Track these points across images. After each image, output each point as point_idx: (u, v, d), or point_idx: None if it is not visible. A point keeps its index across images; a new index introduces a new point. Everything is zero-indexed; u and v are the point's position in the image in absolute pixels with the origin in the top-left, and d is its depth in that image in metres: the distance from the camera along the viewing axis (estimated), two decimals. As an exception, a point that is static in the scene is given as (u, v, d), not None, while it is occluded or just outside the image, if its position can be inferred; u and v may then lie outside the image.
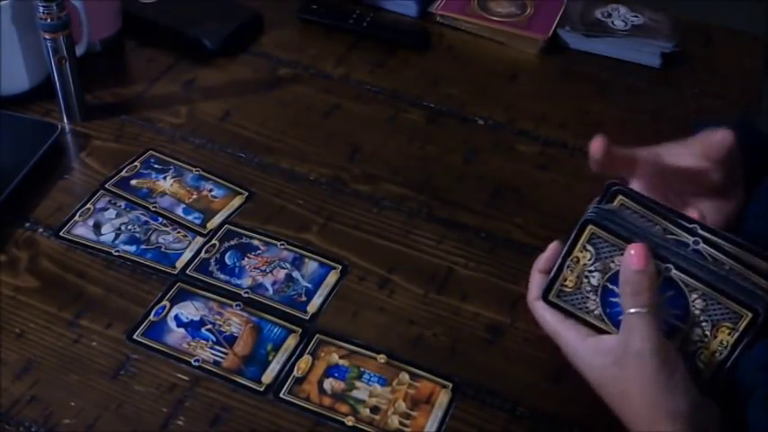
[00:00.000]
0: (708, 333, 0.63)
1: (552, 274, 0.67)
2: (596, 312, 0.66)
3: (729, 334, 0.62)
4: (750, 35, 1.15)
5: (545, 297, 0.67)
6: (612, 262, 0.64)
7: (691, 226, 0.64)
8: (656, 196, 0.71)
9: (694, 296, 0.63)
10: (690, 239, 0.64)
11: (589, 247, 0.65)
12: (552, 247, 0.68)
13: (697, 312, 0.63)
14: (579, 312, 0.66)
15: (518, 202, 0.90)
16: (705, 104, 1.03)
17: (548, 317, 0.67)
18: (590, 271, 0.65)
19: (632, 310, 0.62)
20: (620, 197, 0.65)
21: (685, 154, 0.72)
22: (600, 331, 0.66)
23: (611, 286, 0.64)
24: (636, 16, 1.11)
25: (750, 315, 0.61)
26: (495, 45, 1.11)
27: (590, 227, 0.64)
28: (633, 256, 0.62)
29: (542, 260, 0.69)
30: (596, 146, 0.70)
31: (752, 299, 0.61)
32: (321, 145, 0.95)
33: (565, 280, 0.66)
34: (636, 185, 0.73)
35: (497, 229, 0.87)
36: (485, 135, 0.98)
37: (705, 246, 0.63)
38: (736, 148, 0.71)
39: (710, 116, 1.01)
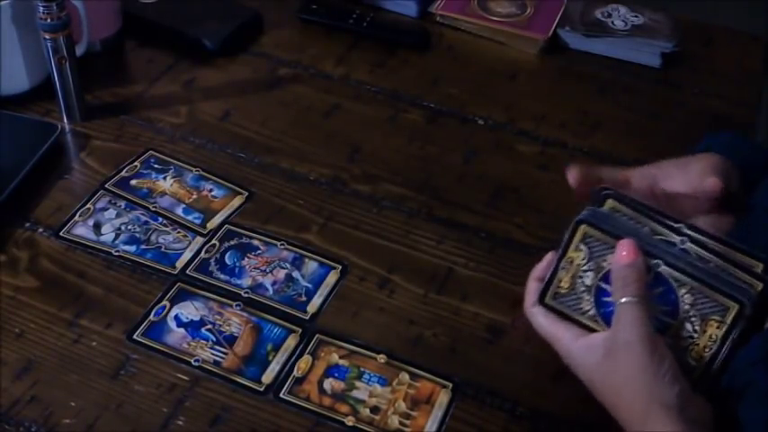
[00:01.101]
0: (697, 328, 0.64)
1: (548, 277, 0.68)
2: (590, 313, 0.67)
3: (718, 327, 0.64)
4: (750, 35, 1.15)
5: (541, 300, 0.69)
6: (605, 261, 0.66)
7: (677, 226, 0.66)
8: None
9: (683, 291, 0.64)
10: (677, 239, 0.66)
11: (582, 247, 0.66)
12: (548, 256, 0.70)
13: (686, 307, 0.64)
14: (574, 314, 0.68)
15: (518, 202, 0.90)
16: (705, 104, 1.03)
17: (543, 322, 0.69)
18: (584, 271, 0.67)
19: (623, 300, 0.64)
20: (609, 201, 0.67)
21: (679, 177, 0.73)
22: (593, 332, 0.67)
23: (603, 285, 0.66)
24: (636, 16, 1.11)
25: (737, 307, 0.63)
26: (495, 45, 1.11)
27: (583, 226, 0.66)
28: (623, 251, 0.64)
29: (538, 269, 0.70)
30: (572, 177, 0.73)
31: (738, 291, 0.63)
32: (321, 145, 0.95)
33: (560, 282, 0.68)
34: None
35: (497, 229, 0.87)
36: (485, 135, 0.98)
37: (691, 244, 0.65)
38: (732, 178, 0.73)
39: (712, 118, 1.01)
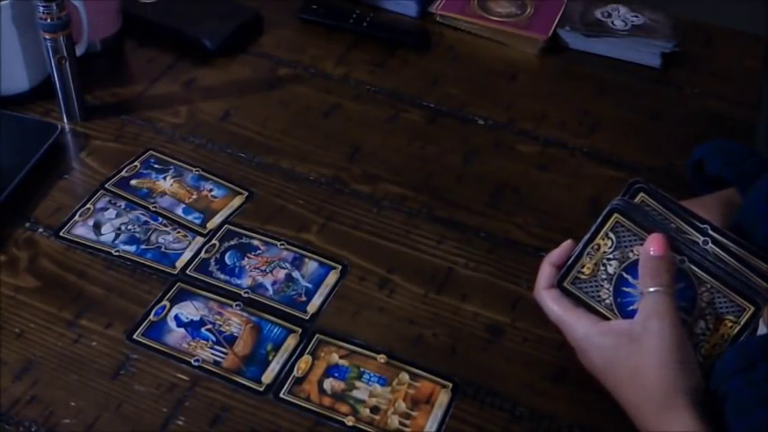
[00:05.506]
0: (710, 326, 0.66)
1: (570, 260, 0.70)
2: (607, 301, 0.68)
3: (731, 327, 0.66)
4: (750, 35, 1.15)
5: (560, 283, 0.70)
6: (632, 251, 0.68)
7: (702, 226, 0.68)
8: None
9: (702, 289, 0.66)
10: (700, 239, 0.68)
11: (611, 235, 0.68)
12: (567, 242, 0.71)
13: (703, 305, 0.66)
14: (591, 301, 0.69)
15: (518, 202, 0.90)
16: (705, 104, 1.03)
17: (555, 306, 0.70)
18: (608, 259, 0.68)
19: (651, 289, 0.65)
20: (641, 194, 0.70)
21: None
22: (608, 320, 0.68)
23: (626, 275, 0.68)
24: (636, 16, 1.11)
25: (752, 308, 0.65)
26: (495, 45, 1.11)
27: (615, 215, 0.68)
28: (654, 243, 0.66)
29: (555, 254, 0.71)
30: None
31: (755, 294, 0.66)
32: (321, 145, 0.95)
33: (582, 267, 0.69)
34: None
35: (497, 229, 0.87)
36: (485, 135, 0.98)
37: (713, 246, 0.68)
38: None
39: (712, 118, 1.01)
